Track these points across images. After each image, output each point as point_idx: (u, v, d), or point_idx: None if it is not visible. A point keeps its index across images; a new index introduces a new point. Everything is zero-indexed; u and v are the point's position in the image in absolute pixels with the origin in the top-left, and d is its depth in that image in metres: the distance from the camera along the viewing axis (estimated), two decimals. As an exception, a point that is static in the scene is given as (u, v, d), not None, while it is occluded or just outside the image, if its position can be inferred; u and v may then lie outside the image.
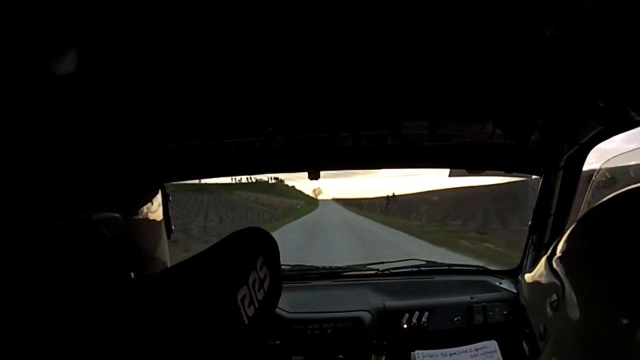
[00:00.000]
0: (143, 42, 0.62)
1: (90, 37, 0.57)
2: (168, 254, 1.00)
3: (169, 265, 1.01)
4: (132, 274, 0.44)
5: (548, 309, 0.40)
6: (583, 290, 0.37)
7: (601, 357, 0.33)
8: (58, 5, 0.49)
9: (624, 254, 0.34)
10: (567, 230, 0.43)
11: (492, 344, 1.20)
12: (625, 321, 0.31)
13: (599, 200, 0.42)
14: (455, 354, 1.19)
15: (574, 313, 0.36)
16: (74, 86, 0.63)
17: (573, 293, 0.37)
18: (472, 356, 1.18)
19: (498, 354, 1.18)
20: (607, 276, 0.35)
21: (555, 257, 0.41)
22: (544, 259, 0.44)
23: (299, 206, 37.69)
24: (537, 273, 0.44)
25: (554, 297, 0.39)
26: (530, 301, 0.45)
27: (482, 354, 1.18)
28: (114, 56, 0.64)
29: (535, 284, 0.44)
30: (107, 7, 0.51)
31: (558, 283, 0.39)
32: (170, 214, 1.13)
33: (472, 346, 1.20)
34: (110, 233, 0.42)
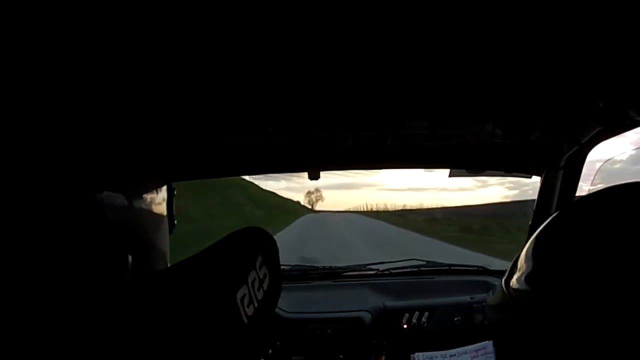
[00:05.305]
0: (145, 42, 0.63)
1: (95, 37, 0.57)
2: (168, 248, 1.01)
3: (168, 260, 1.01)
4: (128, 274, 0.44)
5: (503, 317, 0.47)
6: (532, 303, 0.42)
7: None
8: (61, 4, 0.49)
9: (570, 272, 0.39)
10: (519, 254, 0.47)
11: (491, 345, 1.20)
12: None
13: None
14: (455, 355, 1.18)
15: (525, 321, 0.42)
16: (80, 84, 0.63)
17: (523, 305, 0.43)
18: (472, 357, 1.18)
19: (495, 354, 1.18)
20: (556, 289, 0.39)
21: (513, 278, 0.46)
22: (502, 280, 0.49)
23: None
24: (496, 293, 0.51)
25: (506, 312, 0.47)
26: (492, 315, 0.51)
27: (482, 354, 1.18)
28: (115, 56, 0.64)
29: (494, 301, 0.51)
30: (112, 7, 0.51)
31: (509, 299, 0.45)
32: (174, 209, 1.12)
33: (472, 347, 1.19)
34: (113, 226, 0.42)
